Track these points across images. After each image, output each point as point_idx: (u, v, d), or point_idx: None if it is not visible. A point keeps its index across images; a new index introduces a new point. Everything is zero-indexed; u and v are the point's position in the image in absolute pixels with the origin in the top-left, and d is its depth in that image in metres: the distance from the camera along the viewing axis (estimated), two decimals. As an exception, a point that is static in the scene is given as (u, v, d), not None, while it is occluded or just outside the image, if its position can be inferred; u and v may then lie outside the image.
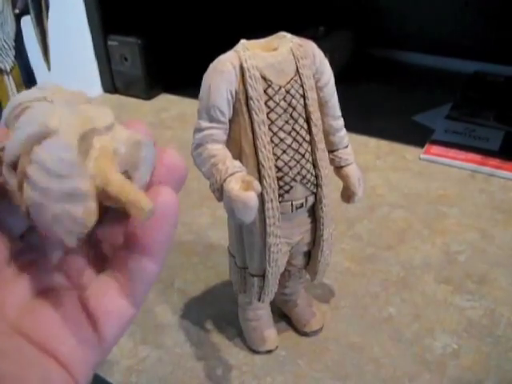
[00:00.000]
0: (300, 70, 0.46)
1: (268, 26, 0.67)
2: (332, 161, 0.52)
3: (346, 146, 0.52)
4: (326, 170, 0.49)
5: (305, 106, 0.47)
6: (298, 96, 0.46)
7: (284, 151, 0.47)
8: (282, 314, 0.62)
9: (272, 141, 0.46)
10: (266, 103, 0.46)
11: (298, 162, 0.47)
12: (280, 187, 0.47)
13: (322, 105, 0.49)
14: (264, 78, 0.45)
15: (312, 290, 0.64)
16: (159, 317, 0.63)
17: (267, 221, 0.48)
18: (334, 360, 0.57)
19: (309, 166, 0.48)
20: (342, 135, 0.52)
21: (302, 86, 0.46)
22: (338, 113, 0.51)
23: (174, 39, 1.17)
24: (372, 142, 0.95)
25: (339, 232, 0.73)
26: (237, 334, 0.60)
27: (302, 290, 0.60)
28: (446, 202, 0.79)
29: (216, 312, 0.63)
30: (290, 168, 0.47)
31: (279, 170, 0.47)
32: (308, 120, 0.47)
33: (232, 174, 0.44)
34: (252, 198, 0.41)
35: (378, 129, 0.98)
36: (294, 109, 0.46)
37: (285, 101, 0.46)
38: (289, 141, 0.47)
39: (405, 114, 1.04)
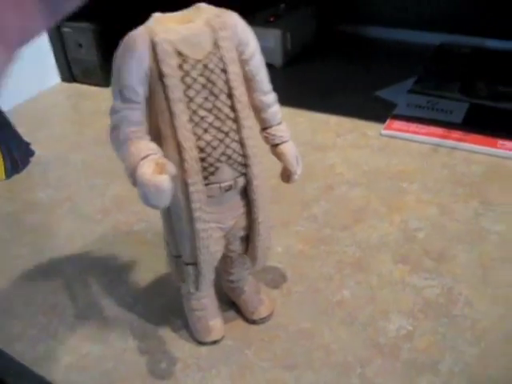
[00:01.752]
0: (219, 43, 0.43)
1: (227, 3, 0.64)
2: (266, 139, 0.50)
3: (280, 123, 0.50)
4: (255, 148, 0.46)
5: (226, 80, 0.44)
6: (217, 70, 0.43)
7: (205, 130, 0.44)
8: (231, 302, 0.59)
9: (191, 119, 0.43)
10: (182, 79, 0.43)
11: (221, 141, 0.44)
12: (204, 169, 0.44)
13: (250, 79, 0.46)
14: (178, 53, 0.42)
15: (263, 275, 0.62)
16: (104, 310, 0.61)
17: (192, 205, 0.45)
18: (283, 348, 0.54)
19: (234, 145, 0.45)
20: (275, 111, 0.49)
21: (221, 59, 0.43)
22: (268, 87, 0.48)
23: (129, 24, 1.13)
24: (333, 120, 0.92)
25: (294, 214, 0.70)
26: (183, 325, 0.58)
27: (249, 277, 0.57)
28: (406, 178, 0.76)
29: (163, 303, 0.61)
30: (214, 148, 0.44)
31: (201, 150, 0.44)
32: (231, 96, 0.44)
33: (145, 157, 0.41)
34: (164, 181, 0.39)
35: (339, 106, 0.95)
36: (214, 84, 0.43)
37: (203, 76, 0.43)
38: (210, 119, 0.44)
39: (368, 90, 1.01)
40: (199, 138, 0.44)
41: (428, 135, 0.85)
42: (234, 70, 0.44)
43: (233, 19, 0.44)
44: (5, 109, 0.88)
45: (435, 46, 1.13)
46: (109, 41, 1.09)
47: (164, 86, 0.42)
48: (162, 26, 0.42)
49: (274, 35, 1.07)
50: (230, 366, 0.53)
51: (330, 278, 0.61)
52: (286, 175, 0.51)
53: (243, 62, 0.45)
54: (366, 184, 0.76)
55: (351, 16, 1.26)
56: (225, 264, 0.54)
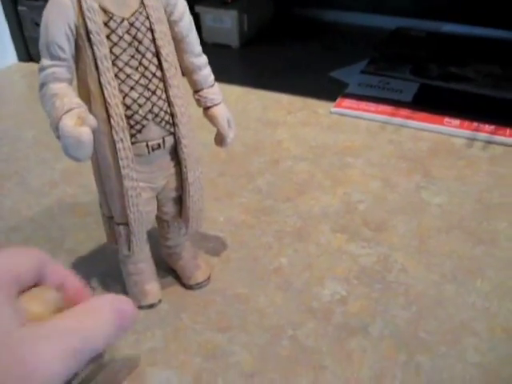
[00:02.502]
0: (145, 2, 0.43)
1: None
2: (198, 102, 0.50)
3: (212, 85, 0.50)
4: (183, 108, 0.46)
5: (153, 39, 0.44)
6: (143, 29, 0.43)
7: (132, 88, 0.44)
8: (169, 268, 0.59)
9: (118, 77, 0.44)
10: (108, 37, 0.43)
11: (148, 99, 0.45)
12: (131, 126, 0.45)
13: (180, 41, 0.46)
14: (104, 10, 0.42)
15: (204, 243, 0.62)
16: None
17: (120, 163, 0.45)
18: (218, 312, 0.55)
19: (161, 103, 0.45)
20: (206, 74, 0.49)
21: (148, 18, 0.43)
22: (198, 49, 0.48)
23: None
24: (285, 99, 0.93)
25: (239, 186, 0.71)
26: (122, 290, 0.58)
27: (186, 243, 0.57)
28: (352, 154, 0.77)
29: (103, 270, 0.61)
30: (140, 106, 0.45)
31: (128, 107, 0.44)
32: (158, 55, 0.44)
33: (69, 111, 0.41)
34: (84, 133, 0.39)
35: (293, 86, 0.96)
36: (140, 42, 0.43)
37: (129, 34, 0.43)
38: (136, 76, 0.44)
39: (322, 71, 1.02)
40: (126, 96, 0.44)
41: (377, 113, 0.86)
42: (161, 29, 0.44)
43: None
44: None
45: (391, 30, 1.14)
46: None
47: (90, 43, 0.43)
48: None
49: (231, 16, 1.08)
50: (165, 329, 0.53)
51: (269, 247, 0.62)
52: (219, 139, 0.51)
53: (172, 23, 0.45)
54: (311, 159, 0.77)
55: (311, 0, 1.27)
56: (162, 229, 0.55)
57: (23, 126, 0.93)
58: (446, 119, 0.82)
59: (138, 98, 0.44)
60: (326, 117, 0.87)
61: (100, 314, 0.35)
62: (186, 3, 0.46)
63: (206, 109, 0.50)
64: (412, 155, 0.76)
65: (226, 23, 1.08)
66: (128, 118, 0.45)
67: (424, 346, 0.51)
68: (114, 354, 0.46)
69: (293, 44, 1.15)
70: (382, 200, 0.68)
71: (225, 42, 1.09)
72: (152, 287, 0.56)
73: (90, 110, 0.44)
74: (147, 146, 0.46)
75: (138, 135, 0.45)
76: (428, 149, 0.78)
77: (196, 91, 0.49)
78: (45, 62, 0.43)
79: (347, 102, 0.89)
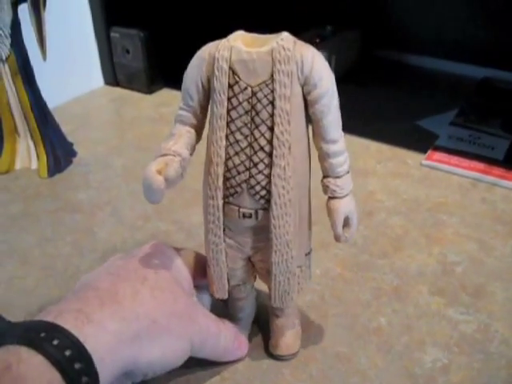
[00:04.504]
0: (275, 76, 0.43)
1: (273, 23, 0.65)
2: (323, 188, 0.48)
3: (339, 177, 0.47)
4: (283, 190, 0.45)
5: (272, 114, 0.44)
6: (265, 101, 0.44)
7: (236, 153, 0.45)
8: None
9: (228, 139, 0.45)
10: (229, 99, 0.44)
11: (247, 169, 0.46)
12: (227, 188, 0.47)
13: (315, 122, 0.45)
14: (233, 73, 0.43)
15: (302, 295, 0.62)
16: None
17: (208, 217, 0.48)
18: (319, 369, 0.55)
19: (260, 177, 0.46)
20: (335, 163, 0.46)
21: (272, 92, 0.43)
22: (332, 136, 0.45)
23: (177, 32, 1.15)
24: (373, 146, 0.93)
25: (333, 237, 0.71)
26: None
27: (288, 310, 0.55)
28: (446, 211, 0.77)
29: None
30: (238, 172, 0.46)
31: (228, 170, 0.46)
32: (272, 130, 0.44)
33: (163, 155, 0.44)
34: (156, 181, 0.42)
35: (380, 132, 0.96)
36: (258, 114, 0.44)
37: (248, 102, 0.44)
38: (244, 144, 0.45)
39: (409, 119, 1.02)
40: (229, 158, 0.46)
41: (469, 169, 0.85)
42: (283, 107, 0.43)
43: (303, 56, 0.43)
44: (49, 107, 0.90)
45: (478, 80, 1.14)
46: (155, 48, 1.12)
47: (213, 100, 0.45)
48: (233, 43, 0.44)
49: (320, 57, 1.08)
50: (266, 384, 0.54)
51: (368, 305, 0.62)
52: (334, 235, 0.50)
53: (309, 103, 0.44)
54: (405, 213, 0.77)
55: (394, 43, 1.27)
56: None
57: (111, 153, 0.95)
58: (541, 181, 0.82)
59: (239, 164, 0.45)
60: (416, 169, 0.87)
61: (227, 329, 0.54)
62: (332, 86, 0.44)
63: (328, 198, 0.49)
64: (507, 218, 0.75)
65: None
66: (225, 179, 0.46)
67: (530, 426, 0.50)
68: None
69: (378, 88, 1.16)
70: (479, 264, 0.68)
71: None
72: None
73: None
74: (239, 211, 0.47)
75: (231, 198, 0.47)
76: (523, 211, 0.77)
77: (323, 177, 0.48)
78: (180, 104, 0.47)
79: (438, 155, 0.88)
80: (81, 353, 0.39)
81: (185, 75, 0.46)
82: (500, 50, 1.13)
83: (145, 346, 0.44)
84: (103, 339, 0.41)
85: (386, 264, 0.68)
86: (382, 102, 1.10)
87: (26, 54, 0.83)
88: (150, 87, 1.15)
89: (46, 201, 0.82)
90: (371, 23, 1.24)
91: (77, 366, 0.38)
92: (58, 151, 0.89)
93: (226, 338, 0.53)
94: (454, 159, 0.87)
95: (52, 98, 0.93)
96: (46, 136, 0.88)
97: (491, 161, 0.86)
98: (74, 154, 0.93)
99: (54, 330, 0.39)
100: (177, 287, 0.50)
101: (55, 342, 0.38)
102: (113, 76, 1.19)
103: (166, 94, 1.16)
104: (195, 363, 0.54)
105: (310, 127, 0.47)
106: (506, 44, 1.13)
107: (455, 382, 0.54)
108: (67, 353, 0.38)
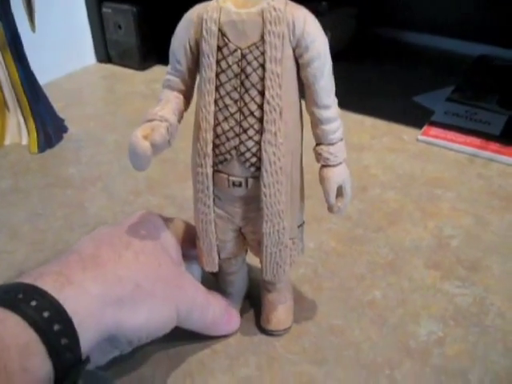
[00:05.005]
0: (265, 37, 0.41)
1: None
2: (315, 156, 0.47)
3: (332, 144, 0.45)
4: (274, 157, 0.44)
5: (262, 78, 0.42)
6: (255, 64, 0.42)
7: (226, 119, 0.44)
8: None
9: (217, 104, 0.44)
10: (218, 62, 0.43)
11: (237, 135, 0.44)
12: (216, 155, 0.45)
13: (307, 87, 0.44)
14: (222, 35, 0.42)
15: (295, 269, 0.61)
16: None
17: (197, 186, 0.46)
18: (312, 342, 0.54)
19: (251, 144, 0.44)
20: (328, 129, 0.45)
21: (262, 54, 0.42)
22: (325, 101, 0.44)
23: (169, 7, 1.12)
24: (368, 122, 0.92)
25: (328, 211, 0.69)
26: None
27: (280, 285, 0.54)
28: (442, 186, 0.76)
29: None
30: (228, 139, 0.44)
31: (217, 136, 0.44)
32: (262, 94, 0.43)
33: (149, 121, 0.43)
34: (140, 146, 0.41)
35: (375, 108, 0.95)
36: (248, 77, 0.42)
37: (238, 65, 0.42)
38: (233, 109, 0.43)
39: (405, 95, 1.01)
40: (218, 124, 0.44)
41: (465, 144, 0.84)
42: (273, 69, 0.42)
43: (295, 17, 0.41)
44: (41, 83, 0.89)
45: (475, 57, 1.13)
46: (148, 24, 1.10)
47: (202, 64, 0.43)
48: (222, 4, 0.42)
49: (315, 33, 1.06)
50: (259, 356, 0.53)
51: (362, 278, 0.61)
52: (327, 205, 0.48)
53: (301, 67, 0.43)
54: (400, 188, 0.76)
55: (391, 20, 1.26)
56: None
57: (103, 130, 0.93)
58: (537, 156, 0.81)
59: (228, 130, 0.44)
60: (412, 144, 0.86)
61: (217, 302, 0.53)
62: (324, 49, 0.42)
63: (320, 167, 0.47)
64: (504, 193, 0.74)
65: (309, 39, 1.07)
66: (214, 146, 0.45)
67: (526, 398, 0.49)
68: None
69: (374, 64, 1.14)
70: (475, 237, 0.67)
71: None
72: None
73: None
74: (228, 179, 0.46)
75: (220, 166, 0.45)
76: (519, 186, 0.76)
77: (315, 144, 0.46)
78: (168, 68, 0.46)
79: (435, 130, 0.87)
80: (60, 314, 0.37)
81: (172, 38, 0.45)
82: (497, 27, 1.12)
83: (128, 311, 0.43)
84: (84, 302, 0.40)
85: (381, 238, 0.67)
86: (379, 78, 1.08)
87: (15, 28, 0.82)
88: (142, 64, 1.14)
89: (37, 176, 0.81)
90: (368, 0, 1.22)
91: (56, 327, 0.37)
92: (49, 127, 0.88)
93: (215, 311, 0.52)
94: (450, 135, 0.86)
95: (43, 74, 0.91)
96: (36, 111, 0.86)
97: (488, 136, 0.85)
98: (65, 129, 0.92)
99: (33, 291, 0.38)
100: (163, 254, 0.49)
101: (33, 303, 0.37)
102: (105, 53, 1.17)
103: (158, 71, 1.15)
104: (186, 336, 0.53)
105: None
106: (503, 21, 1.11)
107: (450, 354, 0.53)
108: (45, 314, 0.37)
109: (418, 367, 0.52)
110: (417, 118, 0.92)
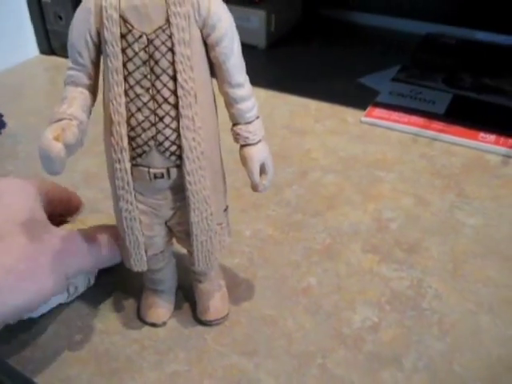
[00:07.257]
0: (171, 20, 0.39)
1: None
2: (233, 137, 0.46)
3: (249, 122, 0.45)
4: (195, 142, 0.42)
5: (172, 62, 0.40)
6: (163, 49, 0.40)
7: (139, 109, 0.42)
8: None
9: (127, 94, 0.41)
10: (123, 50, 0.40)
11: (153, 124, 0.42)
12: (133, 148, 0.43)
13: (218, 67, 0.42)
14: (124, 21, 0.39)
15: (229, 259, 0.60)
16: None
17: (116, 183, 0.44)
18: (244, 334, 0.53)
19: (168, 132, 0.42)
20: (243, 108, 0.44)
21: (170, 37, 0.40)
22: (237, 79, 0.43)
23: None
24: (313, 105, 0.90)
25: (266, 197, 0.68)
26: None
27: (211, 274, 0.53)
28: (384, 167, 0.75)
29: (119, 279, 0.59)
30: (144, 130, 0.42)
31: (132, 129, 0.42)
32: (175, 79, 0.41)
33: (57, 121, 0.40)
34: (55, 149, 0.38)
35: (321, 91, 0.93)
36: (157, 63, 0.40)
37: (145, 52, 0.40)
38: (146, 98, 0.41)
39: (352, 76, 0.99)
40: (131, 116, 0.42)
41: (409, 124, 0.83)
42: (183, 52, 0.40)
43: None
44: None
45: (422, 36, 1.11)
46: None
47: (106, 54, 0.40)
48: None
49: (259, 16, 1.05)
50: (189, 351, 0.51)
51: (297, 265, 0.60)
52: (251, 184, 0.47)
53: (210, 47, 0.42)
54: (341, 171, 0.74)
55: (339, 1, 1.24)
56: (189, 253, 0.52)
57: (43, 124, 0.90)
58: (481, 134, 0.80)
59: (143, 121, 0.42)
60: (355, 126, 0.85)
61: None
62: (231, 27, 0.42)
63: (240, 147, 0.46)
64: (445, 172, 0.73)
65: (253, 23, 1.05)
66: (130, 139, 0.42)
67: (459, 381, 0.48)
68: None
69: (320, 46, 1.13)
70: (415, 219, 0.66)
71: (251, 42, 1.06)
72: (161, 307, 0.54)
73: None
74: (149, 172, 0.44)
75: (139, 159, 0.43)
76: (462, 165, 0.75)
77: (232, 125, 0.45)
78: (68, 63, 0.42)
79: (378, 111, 0.86)
80: None
81: (69, 30, 0.41)
82: (443, 5, 1.11)
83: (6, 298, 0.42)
84: None
85: (319, 223, 0.65)
86: (326, 60, 1.06)
87: None
88: (85, 54, 1.11)
89: (-30, 173, 0.78)
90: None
91: None
92: (-14, 122, 0.85)
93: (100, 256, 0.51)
94: (394, 115, 0.85)
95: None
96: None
97: (432, 115, 0.84)
98: (3, 125, 0.89)
99: None
100: (18, 228, 0.45)
101: None
102: (47, 44, 1.14)
103: (102, 61, 1.12)
104: (115, 331, 0.52)
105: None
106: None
107: (385, 340, 0.52)
108: None
109: (350, 355, 0.50)
110: (362, 99, 0.90)
